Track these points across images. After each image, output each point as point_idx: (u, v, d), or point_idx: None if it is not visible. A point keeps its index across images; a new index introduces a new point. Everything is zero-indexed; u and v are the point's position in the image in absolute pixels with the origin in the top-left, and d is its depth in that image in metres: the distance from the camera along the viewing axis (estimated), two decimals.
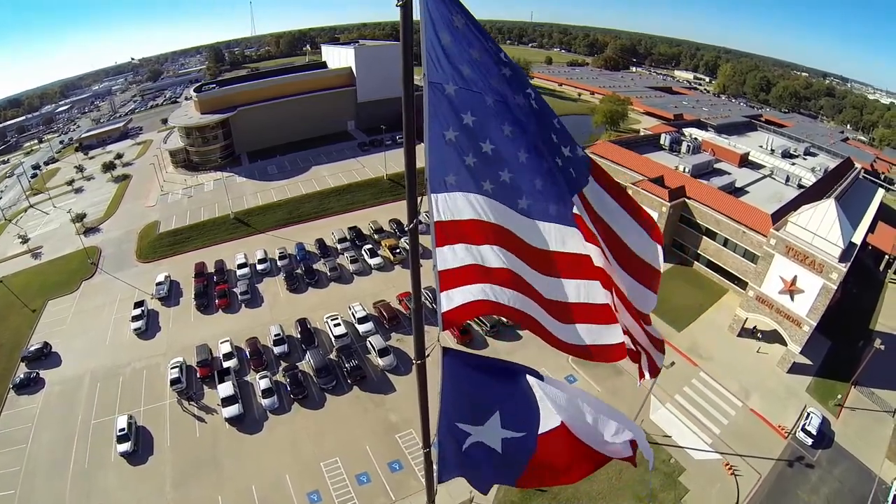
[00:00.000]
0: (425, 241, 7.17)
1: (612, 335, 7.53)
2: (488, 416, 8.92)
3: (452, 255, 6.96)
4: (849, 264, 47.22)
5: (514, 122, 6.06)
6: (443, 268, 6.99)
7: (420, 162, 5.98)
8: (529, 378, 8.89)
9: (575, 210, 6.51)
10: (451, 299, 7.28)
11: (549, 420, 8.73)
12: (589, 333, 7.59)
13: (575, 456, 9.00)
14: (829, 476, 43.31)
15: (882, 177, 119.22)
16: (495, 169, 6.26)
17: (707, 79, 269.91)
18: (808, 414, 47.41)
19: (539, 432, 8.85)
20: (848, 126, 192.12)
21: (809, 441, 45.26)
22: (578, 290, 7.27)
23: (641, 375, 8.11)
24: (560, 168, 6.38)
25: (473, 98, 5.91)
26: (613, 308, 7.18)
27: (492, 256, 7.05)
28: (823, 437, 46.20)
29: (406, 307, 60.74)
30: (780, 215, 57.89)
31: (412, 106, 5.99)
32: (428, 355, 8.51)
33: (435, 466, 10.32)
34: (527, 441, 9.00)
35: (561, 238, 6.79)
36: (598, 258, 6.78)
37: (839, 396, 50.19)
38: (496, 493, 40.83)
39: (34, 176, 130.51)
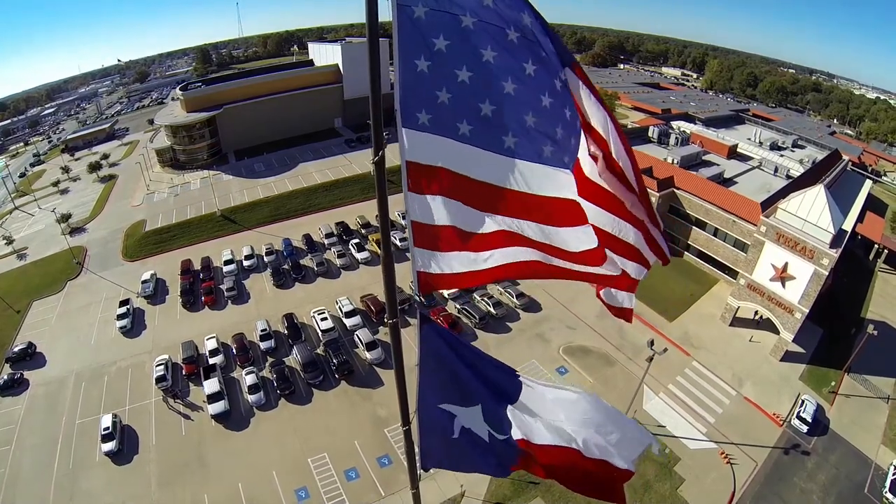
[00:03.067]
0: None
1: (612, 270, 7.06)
2: (472, 402, 8.36)
3: (426, 208, 6.21)
4: (840, 250, 47.03)
5: (499, 46, 5.41)
6: (416, 219, 6.24)
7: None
8: (511, 380, 8.44)
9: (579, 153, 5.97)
10: (428, 260, 6.56)
11: (530, 430, 8.22)
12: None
13: (565, 465, 8.44)
14: (826, 463, 43.06)
15: (869, 169, 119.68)
16: (475, 101, 5.62)
17: (695, 75, 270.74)
18: (803, 401, 47.13)
19: (522, 438, 8.35)
20: (835, 120, 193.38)
21: (805, 428, 44.99)
22: (579, 238, 6.71)
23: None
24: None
25: (447, 20, 5.29)
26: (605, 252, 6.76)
27: (470, 218, 6.42)
28: (818, 425, 45.96)
29: None
30: (769, 204, 57.73)
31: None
32: (401, 310, 7.82)
33: (417, 451, 9.56)
34: (511, 444, 8.45)
35: (551, 182, 6.22)
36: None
37: (833, 384, 49.98)
38: (488, 486, 40.19)
39: (22, 175, 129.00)
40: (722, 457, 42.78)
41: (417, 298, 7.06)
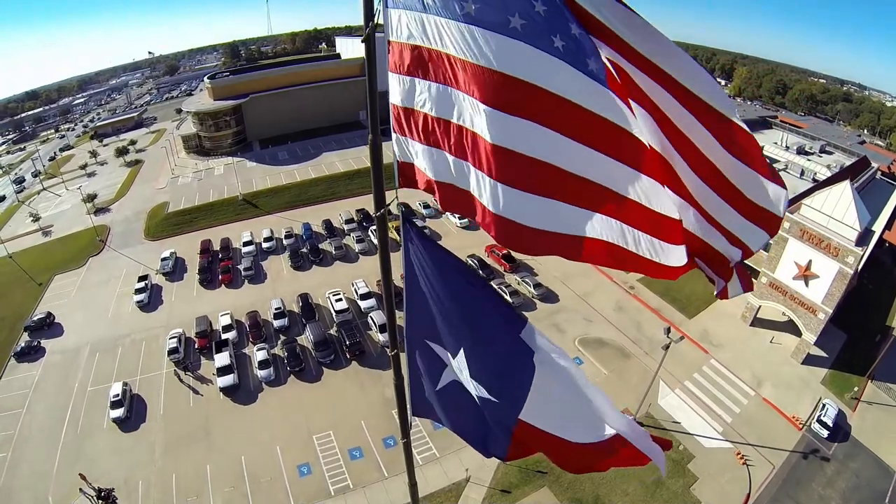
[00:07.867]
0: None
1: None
2: (457, 347, 7.02)
3: (405, 90, 5.70)
4: (866, 249, 45.58)
5: None
6: (396, 102, 5.83)
7: None
8: (504, 325, 6.83)
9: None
10: (409, 151, 6.09)
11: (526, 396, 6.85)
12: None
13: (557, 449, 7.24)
14: (846, 470, 41.36)
15: None
16: None
17: (723, 82, 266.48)
18: (824, 405, 45.38)
19: (519, 407, 6.94)
20: (865, 131, 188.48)
21: (825, 433, 43.29)
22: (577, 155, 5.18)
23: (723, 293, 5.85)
24: None
25: None
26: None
27: (449, 105, 5.55)
28: (839, 430, 44.22)
29: None
30: (792, 203, 56.09)
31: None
32: (389, 205, 7.12)
33: (407, 391, 8.49)
34: (505, 411, 7.07)
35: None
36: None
37: (856, 389, 48.21)
38: (494, 474, 39.58)
39: (52, 159, 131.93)
40: (738, 457, 41.50)
41: (396, 187, 6.48)
